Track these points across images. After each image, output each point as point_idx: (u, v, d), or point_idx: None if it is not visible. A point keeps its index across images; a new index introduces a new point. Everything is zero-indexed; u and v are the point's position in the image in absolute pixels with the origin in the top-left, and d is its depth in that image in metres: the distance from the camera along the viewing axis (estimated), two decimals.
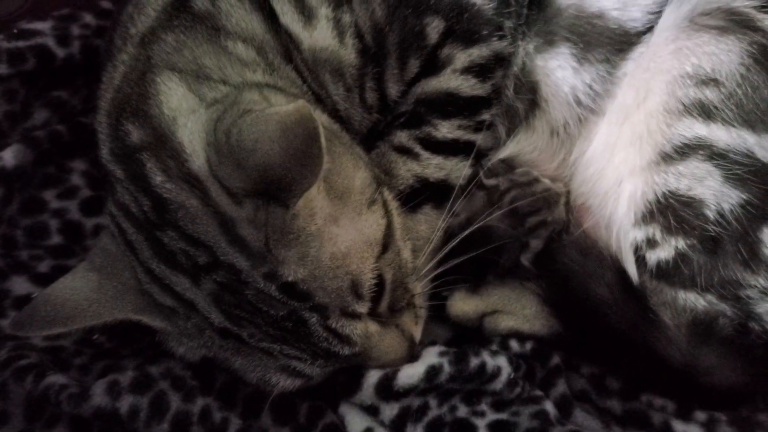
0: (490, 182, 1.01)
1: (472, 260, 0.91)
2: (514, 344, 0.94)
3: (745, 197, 0.85)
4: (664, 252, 0.88)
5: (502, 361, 0.87)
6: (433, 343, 0.90)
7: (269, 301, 0.71)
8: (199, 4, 0.85)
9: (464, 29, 0.94)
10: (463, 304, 0.97)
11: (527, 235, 0.97)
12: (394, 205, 0.86)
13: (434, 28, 0.93)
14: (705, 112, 0.87)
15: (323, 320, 0.72)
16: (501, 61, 0.97)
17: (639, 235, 0.91)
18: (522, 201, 0.97)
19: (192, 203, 0.70)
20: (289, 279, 0.70)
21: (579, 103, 0.98)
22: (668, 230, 0.88)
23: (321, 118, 0.82)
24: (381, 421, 0.85)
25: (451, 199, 0.94)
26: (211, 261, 0.71)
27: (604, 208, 0.97)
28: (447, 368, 0.84)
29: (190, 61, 0.80)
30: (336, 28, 0.90)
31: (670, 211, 0.88)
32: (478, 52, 0.95)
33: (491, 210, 0.96)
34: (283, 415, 0.85)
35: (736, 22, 0.88)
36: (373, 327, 0.78)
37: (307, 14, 0.88)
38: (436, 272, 0.89)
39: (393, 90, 0.96)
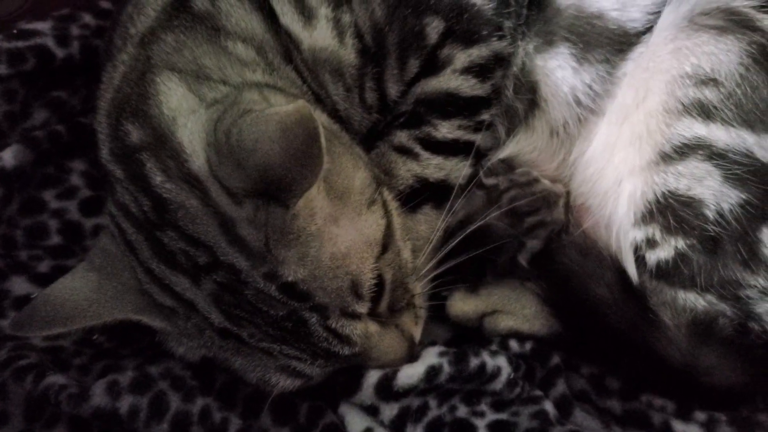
0: (490, 181, 1.01)
1: (471, 260, 0.91)
2: (513, 344, 0.94)
3: (744, 197, 0.85)
4: (663, 252, 0.89)
5: (501, 361, 0.87)
6: (432, 343, 0.90)
7: (269, 301, 0.71)
8: (199, 4, 0.85)
9: (464, 29, 0.94)
10: (462, 304, 0.97)
11: (525, 235, 0.98)
12: (393, 205, 0.86)
13: (434, 28, 0.93)
14: (704, 111, 0.87)
15: (323, 320, 0.72)
16: (501, 61, 0.97)
17: (639, 235, 0.91)
18: (521, 201, 0.97)
19: (192, 203, 0.70)
20: (289, 279, 0.70)
21: (578, 103, 0.98)
22: (668, 230, 0.88)
23: (321, 118, 0.82)
24: (381, 421, 0.85)
25: (451, 199, 0.94)
26: (211, 261, 0.71)
27: (603, 208, 0.97)
28: (447, 368, 0.84)
29: (189, 61, 0.80)
30: (336, 28, 0.90)
31: (670, 211, 0.88)
32: (477, 53, 0.95)
33: (491, 209, 0.96)
34: (283, 415, 0.85)
35: (735, 22, 0.88)
36: (372, 327, 0.78)
37: (306, 14, 0.88)
38: (435, 272, 0.89)
39: (393, 90, 0.96)
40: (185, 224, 0.71)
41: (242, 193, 0.68)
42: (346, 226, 0.74)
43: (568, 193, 1.03)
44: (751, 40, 0.87)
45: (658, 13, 0.94)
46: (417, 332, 0.86)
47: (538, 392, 0.89)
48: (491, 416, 0.86)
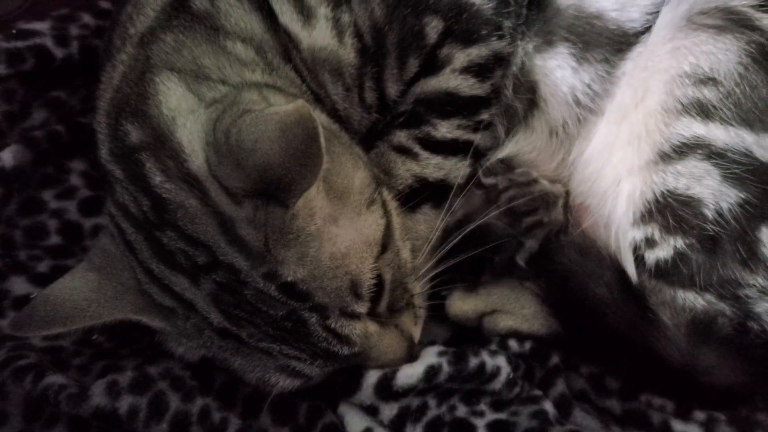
0: (489, 181, 1.01)
1: (470, 259, 0.91)
2: (513, 344, 0.94)
3: (743, 196, 0.85)
4: (662, 251, 0.89)
5: (501, 361, 0.87)
6: (432, 342, 0.90)
7: (268, 301, 0.71)
8: (198, 4, 0.85)
9: (463, 29, 0.94)
10: (462, 304, 0.97)
11: (523, 235, 0.98)
12: (393, 204, 0.86)
13: (433, 27, 0.93)
14: (703, 111, 0.87)
15: (322, 320, 0.72)
16: (500, 60, 0.97)
17: (638, 234, 0.91)
18: (520, 200, 0.97)
19: (191, 203, 0.70)
20: (289, 279, 0.70)
21: (578, 102, 0.98)
22: (667, 230, 0.88)
23: (320, 118, 0.82)
24: (380, 421, 0.85)
25: (450, 199, 0.94)
26: (211, 261, 0.71)
27: (602, 208, 0.97)
28: (446, 368, 0.84)
29: (189, 61, 0.80)
30: (335, 27, 0.90)
31: (669, 211, 0.88)
32: (477, 52, 0.95)
33: (489, 209, 0.96)
34: (282, 415, 0.85)
35: (733, 21, 0.88)
36: (372, 327, 0.78)
37: (306, 14, 0.88)
38: (435, 272, 0.89)
39: (392, 90, 0.96)
40: (184, 224, 0.71)
41: (241, 193, 0.68)
42: (346, 225, 0.74)
43: (567, 194, 1.03)
44: (749, 39, 0.87)
45: (656, 14, 0.95)
46: (416, 332, 0.86)
47: (538, 392, 0.89)
48: (490, 416, 0.86)
